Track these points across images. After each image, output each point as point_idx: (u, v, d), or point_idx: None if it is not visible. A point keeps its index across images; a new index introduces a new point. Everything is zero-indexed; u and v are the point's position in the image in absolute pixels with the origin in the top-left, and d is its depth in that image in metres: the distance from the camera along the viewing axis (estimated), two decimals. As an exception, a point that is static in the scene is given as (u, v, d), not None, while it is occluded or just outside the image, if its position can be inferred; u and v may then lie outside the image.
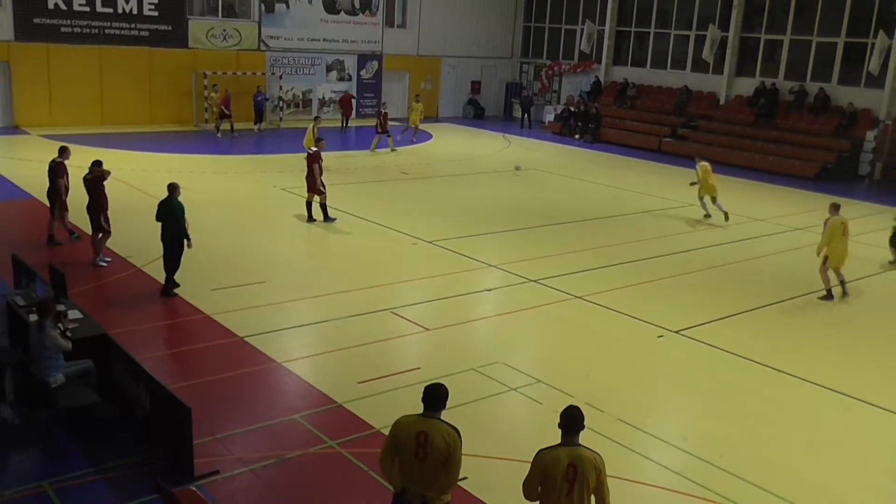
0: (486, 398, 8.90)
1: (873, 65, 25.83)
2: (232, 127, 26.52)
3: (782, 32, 28.91)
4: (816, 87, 27.61)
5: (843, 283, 13.20)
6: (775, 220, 18.71)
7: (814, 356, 10.76)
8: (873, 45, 25.96)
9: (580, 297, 12.38)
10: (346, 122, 30.20)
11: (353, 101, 30.81)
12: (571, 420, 5.09)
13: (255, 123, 27.82)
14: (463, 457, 5.50)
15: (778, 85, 28.72)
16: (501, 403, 8.97)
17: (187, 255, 11.61)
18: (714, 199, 17.94)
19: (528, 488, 5.20)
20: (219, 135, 26.06)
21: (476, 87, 36.42)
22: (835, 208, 13.20)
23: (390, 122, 26.68)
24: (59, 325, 7.79)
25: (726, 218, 17.83)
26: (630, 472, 7.61)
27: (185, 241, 11.41)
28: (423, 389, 5.44)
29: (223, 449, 7.53)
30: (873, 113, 26.29)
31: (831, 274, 13.14)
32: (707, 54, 30.11)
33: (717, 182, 18.10)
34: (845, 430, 8.83)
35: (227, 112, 26.20)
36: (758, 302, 12.73)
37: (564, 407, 5.29)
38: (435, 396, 5.35)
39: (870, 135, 25.79)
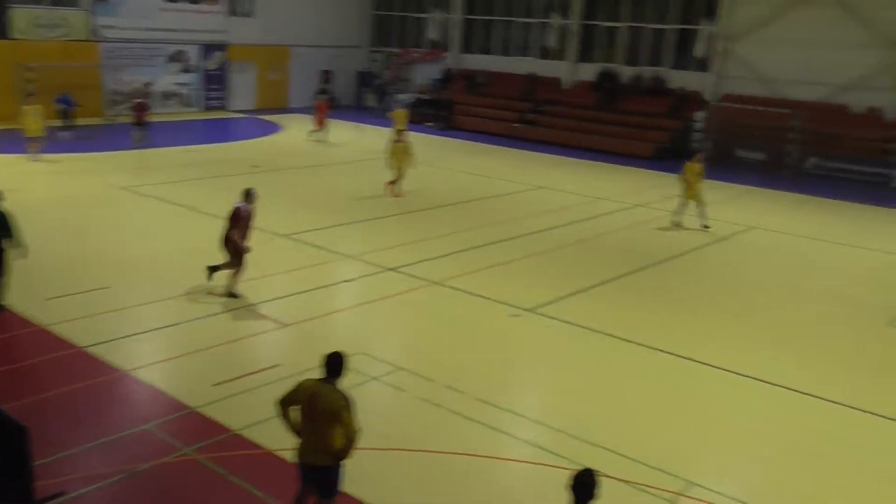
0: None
1: (699, 50, 27.83)
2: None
3: (620, 20, 30.48)
4: (652, 71, 29.37)
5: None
6: (618, 198, 19.73)
7: (663, 325, 11.43)
8: (699, 31, 28.00)
9: (437, 283, 12.55)
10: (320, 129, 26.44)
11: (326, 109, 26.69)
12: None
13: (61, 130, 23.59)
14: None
15: (618, 69, 30.28)
16: (363, 394, 8.91)
17: (16, 263, 10.75)
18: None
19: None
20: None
21: (328, 76, 35.92)
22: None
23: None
24: None
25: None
26: (491, 448, 7.82)
27: (20, 249, 10.59)
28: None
29: (68, 467, 7.06)
30: (702, 95, 28.30)
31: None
32: (551, 41, 31.25)
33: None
34: (703, 395, 9.39)
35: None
36: (605, 276, 13.41)
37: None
38: (332, 363, 5.87)
39: (699, 115, 27.72)
